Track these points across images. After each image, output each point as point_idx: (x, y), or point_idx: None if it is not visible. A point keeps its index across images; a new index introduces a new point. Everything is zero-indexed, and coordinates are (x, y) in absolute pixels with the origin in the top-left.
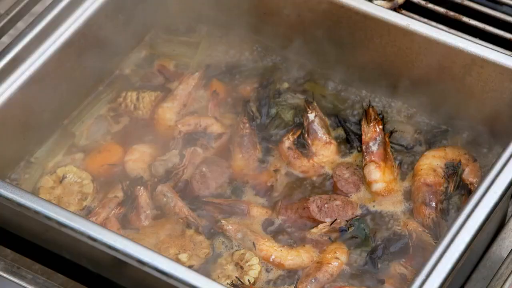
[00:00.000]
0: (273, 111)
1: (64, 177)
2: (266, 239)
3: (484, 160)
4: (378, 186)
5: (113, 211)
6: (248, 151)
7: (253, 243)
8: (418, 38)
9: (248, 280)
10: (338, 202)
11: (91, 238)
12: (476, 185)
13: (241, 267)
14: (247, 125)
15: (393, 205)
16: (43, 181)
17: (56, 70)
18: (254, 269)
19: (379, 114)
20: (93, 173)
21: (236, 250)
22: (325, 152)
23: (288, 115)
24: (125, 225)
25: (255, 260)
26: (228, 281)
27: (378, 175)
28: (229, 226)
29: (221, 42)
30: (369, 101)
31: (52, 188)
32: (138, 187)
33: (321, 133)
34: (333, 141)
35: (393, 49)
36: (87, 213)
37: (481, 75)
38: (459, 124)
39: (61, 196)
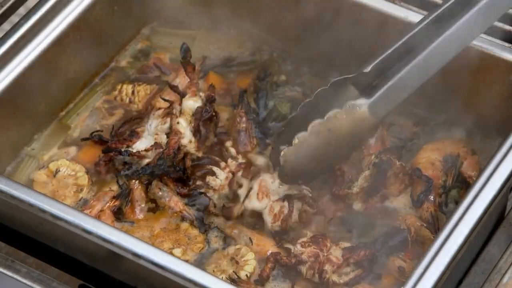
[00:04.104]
0: (270, 103)
1: (57, 171)
2: (263, 235)
3: (483, 153)
4: None
5: (108, 204)
6: (244, 147)
7: (250, 238)
8: None
9: (246, 275)
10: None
11: (85, 231)
12: (475, 178)
13: (237, 262)
14: (244, 118)
15: (392, 199)
16: (36, 176)
17: (52, 62)
18: (249, 264)
19: None
20: (87, 165)
21: (231, 245)
22: None
23: (285, 108)
24: (119, 218)
25: (250, 255)
26: (223, 275)
27: None
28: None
29: (217, 35)
30: None
31: (45, 183)
32: (133, 180)
33: None
34: None
35: (391, 41)
36: (83, 205)
37: (480, 67)
38: (458, 117)
39: (56, 190)
